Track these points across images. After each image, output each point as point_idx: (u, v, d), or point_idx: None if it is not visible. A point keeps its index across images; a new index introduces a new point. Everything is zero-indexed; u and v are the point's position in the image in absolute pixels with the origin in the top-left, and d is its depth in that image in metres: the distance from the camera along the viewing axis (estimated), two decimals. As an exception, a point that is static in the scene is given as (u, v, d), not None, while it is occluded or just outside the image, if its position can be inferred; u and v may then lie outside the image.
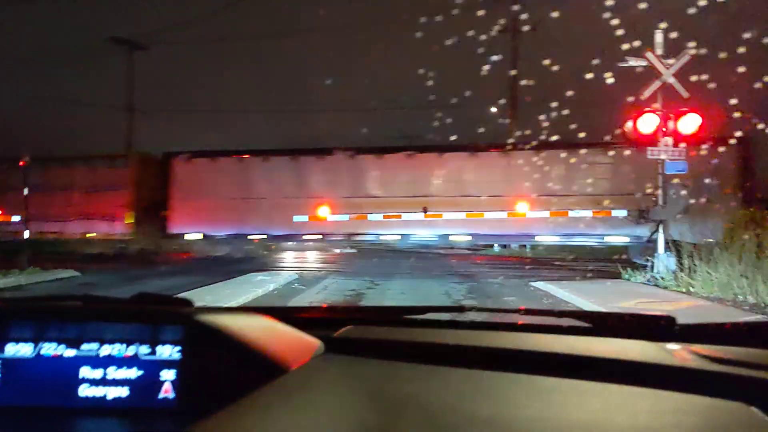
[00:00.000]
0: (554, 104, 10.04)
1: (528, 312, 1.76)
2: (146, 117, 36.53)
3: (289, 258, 23.74)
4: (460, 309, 1.79)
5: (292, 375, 1.13)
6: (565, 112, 10.08)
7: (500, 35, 27.84)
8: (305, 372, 1.16)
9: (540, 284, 12.67)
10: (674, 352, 1.27)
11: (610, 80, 9.13)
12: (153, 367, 1.20)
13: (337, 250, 28.37)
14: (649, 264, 13.27)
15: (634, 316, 1.57)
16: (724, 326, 1.43)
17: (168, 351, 1.20)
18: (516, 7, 22.58)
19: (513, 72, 28.41)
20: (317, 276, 15.44)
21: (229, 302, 9.50)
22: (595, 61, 10.01)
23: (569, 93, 9.69)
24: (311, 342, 1.29)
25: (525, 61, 28.80)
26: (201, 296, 10.22)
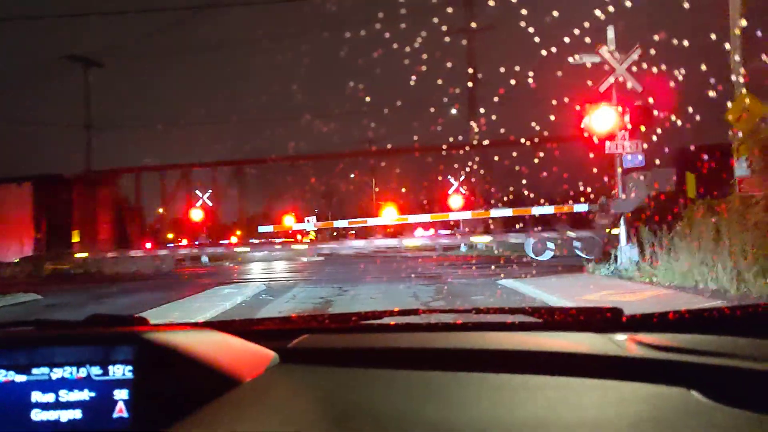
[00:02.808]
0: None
1: (481, 311, 1.80)
2: (104, 132, 36.19)
3: (257, 269, 23.58)
4: (416, 312, 1.82)
5: (245, 387, 1.14)
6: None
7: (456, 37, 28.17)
8: (258, 384, 1.17)
9: (507, 282, 12.78)
10: (620, 343, 1.31)
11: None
12: (106, 388, 1.20)
13: (304, 258, 28.27)
14: (612, 256, 13.49)
15: (583, 310, 1.61)
16: (667, 315, 1.47)
17: (120, 371, 1.20)
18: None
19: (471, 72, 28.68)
20: (285, 285, 15.37)
21: (196, 317, 9.39)
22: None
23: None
24: (265, 354, 1.30)
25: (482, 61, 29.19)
26: (168, 312, 10.10)
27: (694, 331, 1.38)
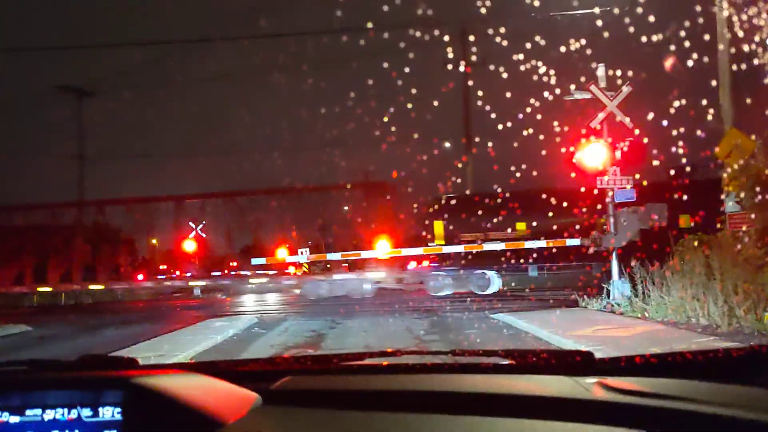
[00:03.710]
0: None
1: (457, 353, 1.85)
2: (97, 163, 36.33)
3: (249, 301, 23.48)
4: (396, 353, 1.86)
5: (228, 429, 1.18)
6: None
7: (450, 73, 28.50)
8: (241, 426, 1.21)
9: (500, 316, 12.77)
10: (588, 386, 1.37)
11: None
12: (96, 429, 1.24)
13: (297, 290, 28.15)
14: (605, 291, 13.54)
15: (555, 353, 1.67)
16: (635, 359, 1.53)
17: (110, 413, 1.24)
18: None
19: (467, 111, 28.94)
20: (278, 318, 15.31)
21: (187, 350, 9.36)
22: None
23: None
24: (248, 396, 1.35)
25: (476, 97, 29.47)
26: (159, 345, 10.06)
27: (660, 374, 1.44)
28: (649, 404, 1.21)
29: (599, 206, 14.60)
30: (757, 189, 11.23)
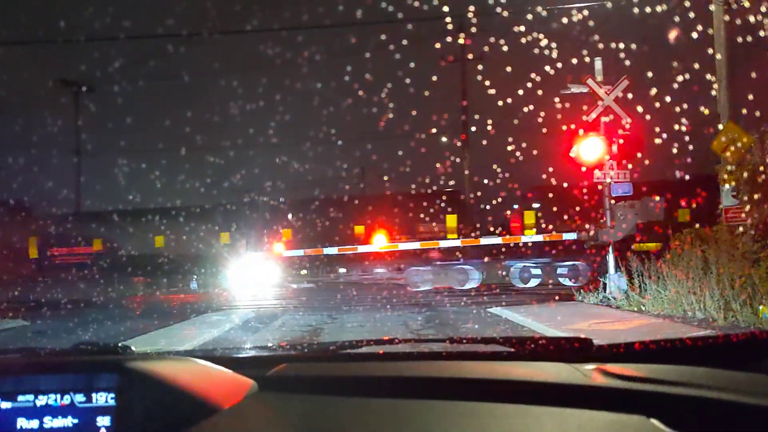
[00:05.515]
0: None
1: (455, 341, 1.83)
2: (97, 158, 36.16)
3: (246, 295, 23.44)
4: (393, 341, 1.85)
5: (224, 414, 1.17)
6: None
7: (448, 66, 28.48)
8: (237, 411, 1.20)
9: (497, 310, 12.78)
10: (587, 373, 1.36)
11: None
12: (89, 415, 1.23)
13: (295, 285, 28.15)
14: (601, 285, 13.55)
15: (553, 340, 1.66)
16: (633, 345, 1.52)
17: (103, 398, 1.23)
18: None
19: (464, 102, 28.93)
20: (275, 313, 15.27)
21: (183, 344, 9.31)
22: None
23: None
24: (244, 382, 1.34)
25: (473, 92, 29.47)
26: (155, 340, 10.02)
27: (659, 361, 1.43)
28: (648, 390, 1.20)
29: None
30: (754, 183, 11.23)
